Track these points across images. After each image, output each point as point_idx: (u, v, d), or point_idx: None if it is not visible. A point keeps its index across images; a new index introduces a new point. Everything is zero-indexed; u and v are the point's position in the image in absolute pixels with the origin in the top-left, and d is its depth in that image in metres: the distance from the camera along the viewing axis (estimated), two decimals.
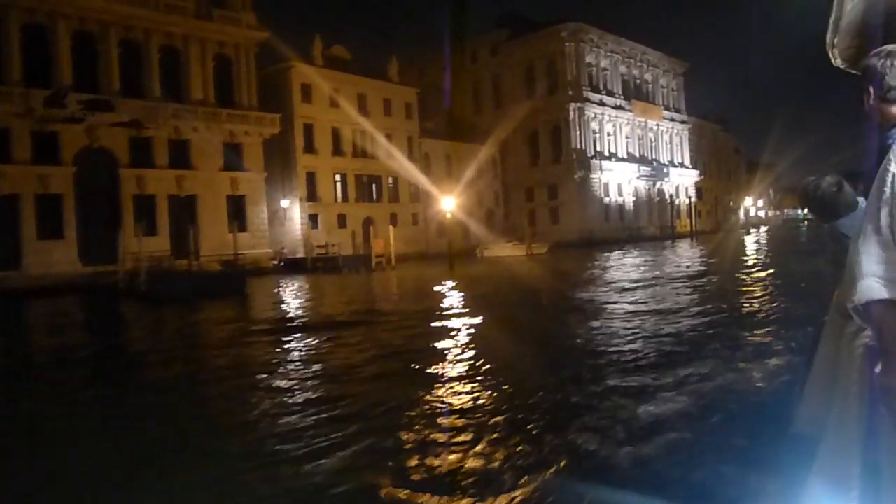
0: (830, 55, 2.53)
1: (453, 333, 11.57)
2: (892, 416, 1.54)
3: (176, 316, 19.16)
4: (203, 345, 13.46)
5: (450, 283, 24.23)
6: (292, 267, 40.43)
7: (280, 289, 27.33)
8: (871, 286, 1.62)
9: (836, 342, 2.02)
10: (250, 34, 40.48)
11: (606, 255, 39.78)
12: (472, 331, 11.88)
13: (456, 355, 9.45)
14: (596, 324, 12.13)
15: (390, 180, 49.77)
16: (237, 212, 40.03)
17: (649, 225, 68.31)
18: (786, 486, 2.53)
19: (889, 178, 1.66)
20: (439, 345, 10.35)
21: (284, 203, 43.20)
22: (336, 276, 34.46)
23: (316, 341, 12.04)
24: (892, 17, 2.25)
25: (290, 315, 17.11)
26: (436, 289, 21.94)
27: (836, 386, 1.93)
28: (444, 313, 14.68)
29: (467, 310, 15.61)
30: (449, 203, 33.83)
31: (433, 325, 12.86)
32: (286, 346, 11.69)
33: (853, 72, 2.39)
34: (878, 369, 1.59)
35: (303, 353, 10.93)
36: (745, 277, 20.59)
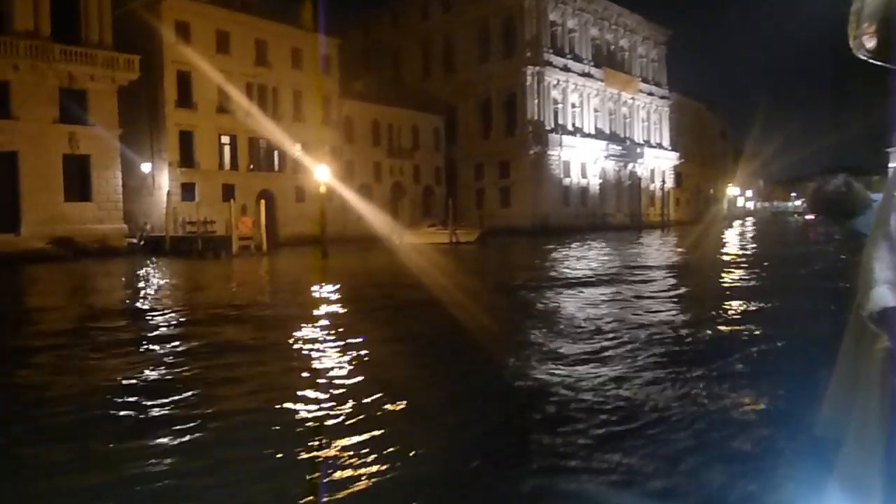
0: (852, 46, 2.19)
1: None
2: None
3: None
4: None
5: (305, 281, 18.01)
6: (153, 248, 32.57)
7: (77, 280, 20.83)
8: (884, 293, 1.58)
9: (858, 342, 1.98)
10: None
11: (552, 248, 31.68)
12: None
13: None
14: None
15: (298, 147, 41.19)
16: (79, 176, 31.84)
17: (617, 212, 60.12)
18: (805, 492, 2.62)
19: None
20: None
21: (146, 167, 34.63)
22: (190, 262, 27.20)
23: None
24: None
25: None
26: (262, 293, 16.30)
27: (858, 387, 1.90)
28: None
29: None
30: (322, 173, 25.53)
31: None
32: None
33: (878, 63, 2.12)
34: None
35: None
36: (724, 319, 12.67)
